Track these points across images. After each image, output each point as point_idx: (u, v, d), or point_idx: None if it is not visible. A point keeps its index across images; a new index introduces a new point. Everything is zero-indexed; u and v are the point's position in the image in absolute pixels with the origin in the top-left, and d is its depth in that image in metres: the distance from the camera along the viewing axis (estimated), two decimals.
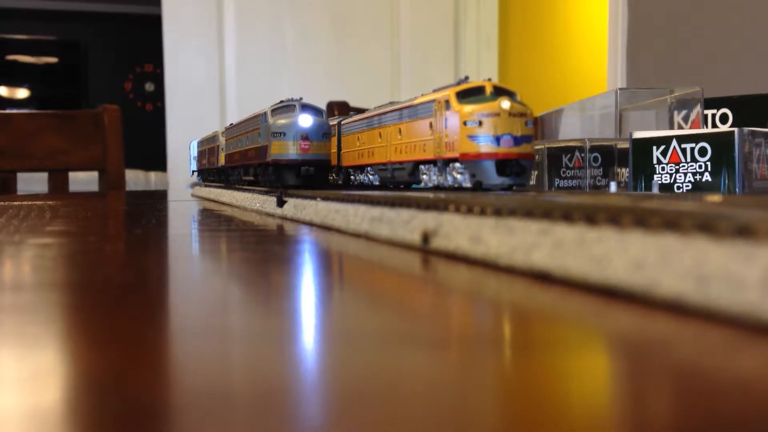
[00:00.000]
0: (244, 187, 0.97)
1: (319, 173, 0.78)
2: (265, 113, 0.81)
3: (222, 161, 1.18)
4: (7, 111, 1.88)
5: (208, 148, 1.38)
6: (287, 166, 0.77)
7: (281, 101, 0.81)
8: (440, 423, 0.14)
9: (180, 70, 2.51)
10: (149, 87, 5.25)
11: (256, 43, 2.55)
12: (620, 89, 0.94)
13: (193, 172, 1.61)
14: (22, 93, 5.07)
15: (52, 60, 5.11)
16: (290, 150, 0.76)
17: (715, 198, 0.42)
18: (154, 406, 0.15)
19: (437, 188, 0.63)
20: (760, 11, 1.56)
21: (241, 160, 0.98)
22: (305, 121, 0.76)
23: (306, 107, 0.78)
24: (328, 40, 2.59)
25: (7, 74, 5.04)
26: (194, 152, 1.60)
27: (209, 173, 1.40)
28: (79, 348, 0.20)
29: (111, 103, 1.74)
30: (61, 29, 5.11)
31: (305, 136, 0.76)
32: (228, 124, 1.16)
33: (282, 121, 0.77)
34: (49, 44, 5.10)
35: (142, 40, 5.01)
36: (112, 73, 5.19)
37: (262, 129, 0.82)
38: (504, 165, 0.56)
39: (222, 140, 1.19)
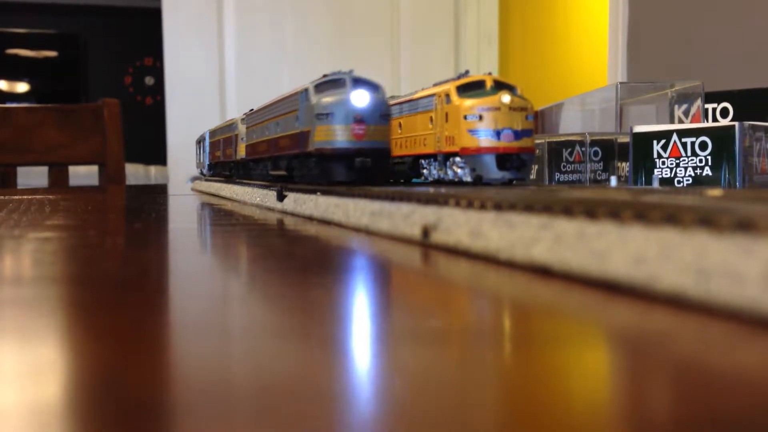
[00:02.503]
0: (243, 181, 0.95)
1: (378, 165, 0.62)
2: (306, 90, 0.66)
3: (242, 153, 1.01)
4: (7, 105, 1.88)
5: (222, 138, 1.20)
6: (336, 156, 0.61)
7: (325, 75, 0.66)
8: (440, 418, 0.14)
9: (180, 64, 2.51)
10: (149, 81, 5.25)
11: (256, 37, 2.54)
12: (621, 83, 0.94)
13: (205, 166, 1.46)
14: (22, 87, 5.06)
15: (52, 54, 5.10)
16: (340, 136, 0.61)
17: (715, 192, 0.42)
18: (154, 402, 0.15)
19: (437, 182, 0.63)
20: (761, 5, 1.56)
21: (270, 151, 0.81)
22: (360, 98, 0.61)
23: (359, 81, 0.63)
24: (328, 35, 2.59)
25: (6, 68, 5.03)
26: (206, 144, 1.44)
27: (224, 167, 1.21)
28: (79, 343, 0.20)
29: (111, 97, 1.73)
30: (61, 23, 5.10)
31: (360, 119, 0.61)
32: (248, 110, 0.99)
33: (329, 100, 0.62)
34: (48, 38, 5.09)
35: (141, 34, 5.00)
36: (111, 66, 5.18)
37: (302, 110, 0.67)
38: (504, 159, 0.56)
39: (241, 129, 1.02)
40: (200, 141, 1.58)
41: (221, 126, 1.24)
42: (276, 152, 0.78)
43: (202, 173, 1.53)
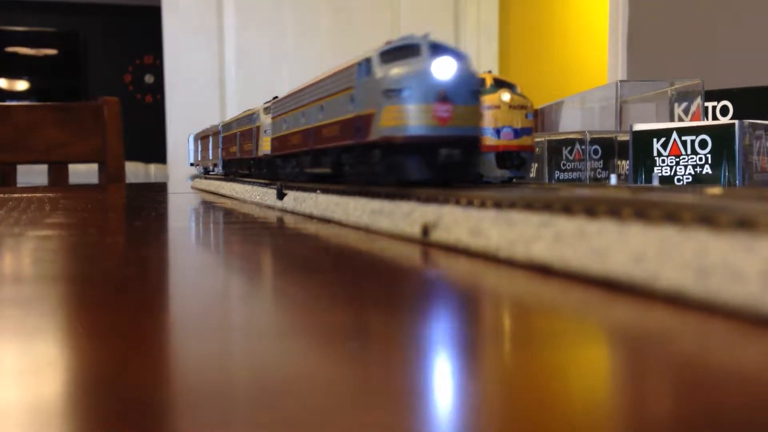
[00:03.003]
0: (244, 179, 0.94)
1: (467, 159, 0.47)
2: (368, 60, 0.50)
3: (265, 148, 0.85)
4: (7, 103, 1.88)
5: (239, 131, 1.03)
6: (411, 147, 0.46)
7: (389, 41, 0.50)
8: (441, 417, 0.14)
9: (180, 62, 2.51)
10: (149, 79, 5.24)
11: (256, 34, 2.54)
12: (621, 81, 0.94)
13: (214, 165, 1.30)
14: (22, 85, 5.06)
15: (52, 52, 5.10)
16: (417, 119, 0.45)
17: (715, 190, 0.42)
18: (154, 401, 0.15)
19: None
20: (761, 5, 1.56)
21: (308, 144, 0.64)
22: (444, 68, 0.46)
23: (439, 48, 0.48)
24: (328, 32, 2.58)
25: (6, 66, 5.03)
26: (219, 139, 1.25)
27: (241, 165, 1.04)
28: (79, 341, 0.20)
29: (110, 95, 1.73)
30: (61, 21, 5.09)
31: (443, 96, 0.45)
32: (273, 97, 0.84)
33: (402, 71, 0.46)
34: (48, 36, 5.09)
35: (141, 32, 5.00)
36: (111, 65, 5.18)
37: (360, 87, 0.51)
38: (504, 157, 0.56)
39: (265, 119, 0.85)
40: (199, 138, 1.54)
41: (237, 117, 1.06)
42: (317, 144, 0.61)
43: (206, 171, 1.46)
